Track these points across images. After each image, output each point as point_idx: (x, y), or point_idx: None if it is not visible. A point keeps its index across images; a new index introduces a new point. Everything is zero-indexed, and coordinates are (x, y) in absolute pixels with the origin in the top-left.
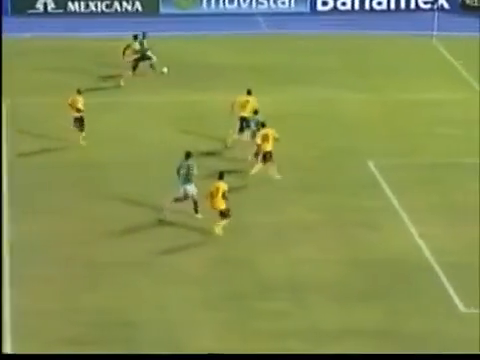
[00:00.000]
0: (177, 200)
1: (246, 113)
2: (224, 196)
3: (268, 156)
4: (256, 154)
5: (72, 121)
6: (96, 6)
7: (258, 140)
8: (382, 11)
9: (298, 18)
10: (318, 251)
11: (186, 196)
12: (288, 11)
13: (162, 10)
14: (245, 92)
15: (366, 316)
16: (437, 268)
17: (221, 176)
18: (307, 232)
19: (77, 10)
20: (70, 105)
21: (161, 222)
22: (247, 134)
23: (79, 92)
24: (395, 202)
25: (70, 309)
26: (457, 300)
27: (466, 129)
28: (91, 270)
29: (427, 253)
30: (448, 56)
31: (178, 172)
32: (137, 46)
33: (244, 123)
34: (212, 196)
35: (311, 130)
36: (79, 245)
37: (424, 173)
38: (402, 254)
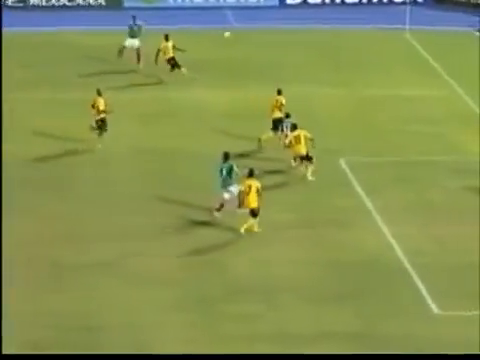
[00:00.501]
0: (223, 205)
1: (280, 114)
2: (258, 193)
3: (306, 159)
4: (295, 158)
5: (93, 122)
6: (58, 0)
7: (286, 141)
8: (354, 4)
9: (267, 12)
10: (290, 252)
11: (231, 198)
12: (257, 5)
13: (126, 4)
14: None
15: (339, 318)
16: (410, 269)
17: (251, 173)
18: (279, 232)
19: (38, 4)
20: (92, 106)
21: (129, 223)
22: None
23: (99, 93)
24: (367, 201)
25: (33, 312)
26: (430, 302)
27: (440, 126)
28: (56, 271)
29: (400, 253)
30: (421, 51)
31: (221, 173)
32: (169, 45)
33: (278, 124)
34: (246, 194)
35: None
36: (43, 246)
37: (397, 171)
38: (375, 255)
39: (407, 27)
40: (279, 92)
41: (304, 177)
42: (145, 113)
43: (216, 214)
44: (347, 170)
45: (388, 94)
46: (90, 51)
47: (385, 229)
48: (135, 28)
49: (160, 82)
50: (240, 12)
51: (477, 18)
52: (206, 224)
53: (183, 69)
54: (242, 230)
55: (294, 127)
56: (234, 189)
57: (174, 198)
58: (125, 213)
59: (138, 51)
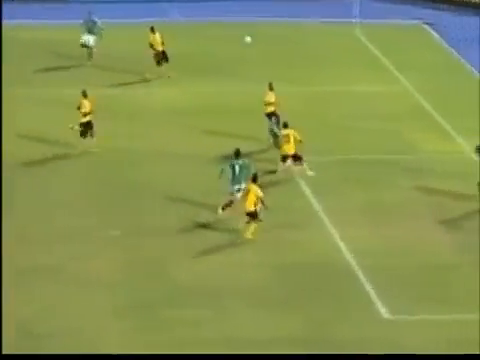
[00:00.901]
0: (230, 203)
1: (273, 108)
2: (257, 199)
3: (296, 159)
4: (283, 158)
5: (76, 125)
6: None
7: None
8: None
9: (214, 4)
10: (235, 254)
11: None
12: None
13: None
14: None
15: (286, 323)
16: (359, 272)
17: (255, 179)
18: (224, 234)
19: None
20: (78, 108)
21: (72, 225)
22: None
23: (85, 95)
24: (316, 202)
25: None
26: (380, 305)
27: (392, 123)
28: None
29: (349, 256)
30: (371, 45)
31: (233, 171)
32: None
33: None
34: (244, 197)
35: (229, 125)
36: None
37: (347, 170)
38: (323, 257)
39: (356, 20)
40: (271, 87)
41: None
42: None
43: (220, 212)
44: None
45: (338, 90)
46: (38, 46)
47: (334, 231)
48: (90, 24)
49: (97, 79)
50: (185, 5)
51: (426, 10)
52: (150, 227)
53: (163, 68)
54: (245, 235)
55: (285, 126)
56: (243, 187)
57: (121, 200)
58: (68, 215)
59: (89, 49)
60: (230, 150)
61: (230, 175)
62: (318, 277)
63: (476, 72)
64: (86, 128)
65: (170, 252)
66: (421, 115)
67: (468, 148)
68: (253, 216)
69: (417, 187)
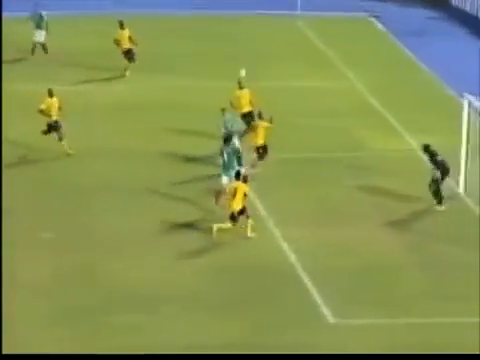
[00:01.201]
0: (220, 193)
1: (248, 108)
2: (245, 196)
3: (262, 150)
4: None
5: (45, 129)
6: None
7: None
8: None
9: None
10: (173, 257)
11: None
12: None
13: None
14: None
15: (226, 329)
16: (303, 274)
17: (238, 176)
18: (160, 236)
19: None
20: (40, 111)
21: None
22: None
23: (51, 94)
24: (258, 202)
25: None
26: (325, 309)
27: (338, 120)
28: None
29: (292, 257)
30: (315, 38)
31: (222, 156)
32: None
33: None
34: (231, 196)
35: (161, 121)
36: None
37: (290, 168)
38: (265, 259)
39: (299, 12)
40: (240, 85)
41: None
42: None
43: (216, 205)
44: None
45: (281, 86)
46: None
47: (276, 231)
48: (38, 18)
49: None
50: None
51: (371, 2)
52: (82, 229)
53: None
54: (250, 234)
55: (259, 116)
56: (229, 177)
57: (59, 201)
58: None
59: (41, 44)
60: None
61: (221, 163)
62: (259, 280)
63: (424, 66)
64: (52, 128)
65: (106, 256)
66: (369, 112)
67: (416, 145)
68: (234, 218)
69: (363, 186)
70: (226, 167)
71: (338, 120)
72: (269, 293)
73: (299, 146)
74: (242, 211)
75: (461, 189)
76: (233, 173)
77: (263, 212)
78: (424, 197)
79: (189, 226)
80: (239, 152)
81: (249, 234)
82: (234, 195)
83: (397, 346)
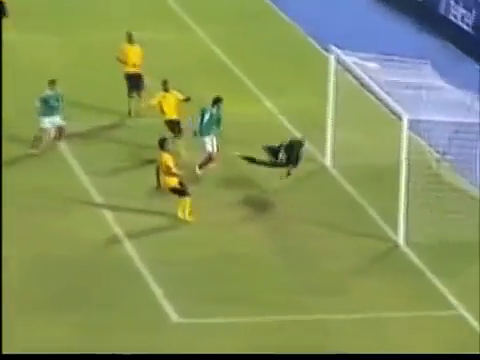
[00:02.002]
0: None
1: (175, 115)
2: (170, 170)
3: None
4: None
5: None
6: None
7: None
8: None
9: None
10: None
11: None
12: None
13: None
14: None
15: (50, 331)
16: (142, 267)
17: (162, 145)
18: None
19: None
20: None
21: None
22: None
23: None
24: (86, 180)
25: None
26: (168, 307)
27: (177, 79)
28: None
29: (129, 247)
30: None
31: (202, 119)
32: None
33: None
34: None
35: None
36: None
37: (125, 137)
38: (96, 249)
39: None
40: (165, 87)
41: None
42: None
43: (199, 172)
44: (64, 145)
45: (115, 38)
46: None
47: (109, 216)
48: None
49: None
50: None
51: None
52: None
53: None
54: (182, 216)
55: (164, 84)
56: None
57: None
58: None
59: None
60: None
61: (198, 123)
62: (91, 273)
63: (284, 17)
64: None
65: None
66: (217, 70)
67: (275, 110)
68: (178, 191)
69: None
70: (205, 131)
71: (180, 80)
72: (103, 289)
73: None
74: (178, 188)
75: (328, 162)
76: (207, 139)
77: (93, 193)
78: (284, 172)
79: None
80: (219, 119)
81: (187, 218)
82: (162, 169)
83: (254, 347)
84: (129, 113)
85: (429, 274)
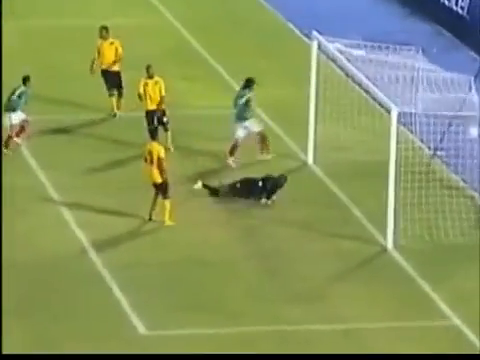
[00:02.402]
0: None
1: (153, 105)
2: (159, 164)
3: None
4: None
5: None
6: None
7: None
8: None
9: None
10: None
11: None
12: None
13: None
14: None
15: (7, 341)
16: (106, 273)
17: (153, 134)
18: None
19: None
20: None
21: None
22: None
23: None
24: (44, 179)
25: None
26: (134, 318)
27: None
28: None
29: (92, 253)
30: None
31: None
32: None
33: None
34: (148, 163)
35: None
36: None
37: (80, 131)
38: (54, 253)
39: None
40: (149, 72)
41: None
42: None
43: (230, 161)
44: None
45: (76, 25)
46: None
47: (69, 217)
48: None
49: None
50: None
51: None
52: None
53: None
54: (167, 220)
55: (148, 69)
56: (250, 125)
57: None
58: None
59: None
60: None
61: (236, 109)
62: (49, 280)
63: (264, 2)
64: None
65: None
66: (188, 57)
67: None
68: (162, 189)
69: (179, 156)
70: (240, 116)
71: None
72: (62, 297)
73: (88, 103)
74: (163, 186)
75: (309, 158)
76: (248, 124)
77: (52, 193)
78: (262, 168)
79: None
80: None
81: (165, 221)
82: (150, 161)
83: None
84: (113, 112)
85: (419, 280)
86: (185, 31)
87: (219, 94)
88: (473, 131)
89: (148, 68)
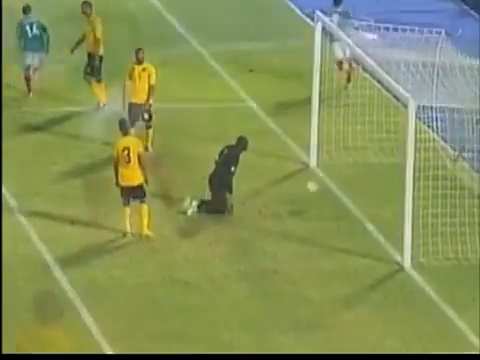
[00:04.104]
0: None
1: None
2: (140, 162)
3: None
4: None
5: None
6: None
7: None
8: None
9: None
10: None
11: None
12: None
13: None
14: None
15: None
16: (75, 296)
17: (125, 127)
18: None
19: None
20: None
21: None
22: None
23: None
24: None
25: None
26: (107, 345)
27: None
28: None
29: (58, 271)
30: None
31: None
32: None
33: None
34: (121, 162)
35: None
36: None
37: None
38: (14, 269)
39: None
40: (139, 57)
41: None
42: None
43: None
44: None
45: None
46: None
47: (32, 230)
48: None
49: None
50: None
51: None
52: None
53: None
54: (147, 231)
55: (137, 53)
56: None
57: None
58: None
59: None
60: None
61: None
62: (7, 304)
63: None
64: None
65: None
66: (172, 40)
67: (242, 93)
68: (141, 192)
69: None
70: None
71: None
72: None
73: (58, 96)
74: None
75: (312, 161)
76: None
77: (9, 197)
78: (262, 172)
79: None
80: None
81: (144, 232)
82: (126, 160)
83: None
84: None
85: (442, 305)
86: (170, 15)
87: (203, 82)
88: None
89: (137, 52)
